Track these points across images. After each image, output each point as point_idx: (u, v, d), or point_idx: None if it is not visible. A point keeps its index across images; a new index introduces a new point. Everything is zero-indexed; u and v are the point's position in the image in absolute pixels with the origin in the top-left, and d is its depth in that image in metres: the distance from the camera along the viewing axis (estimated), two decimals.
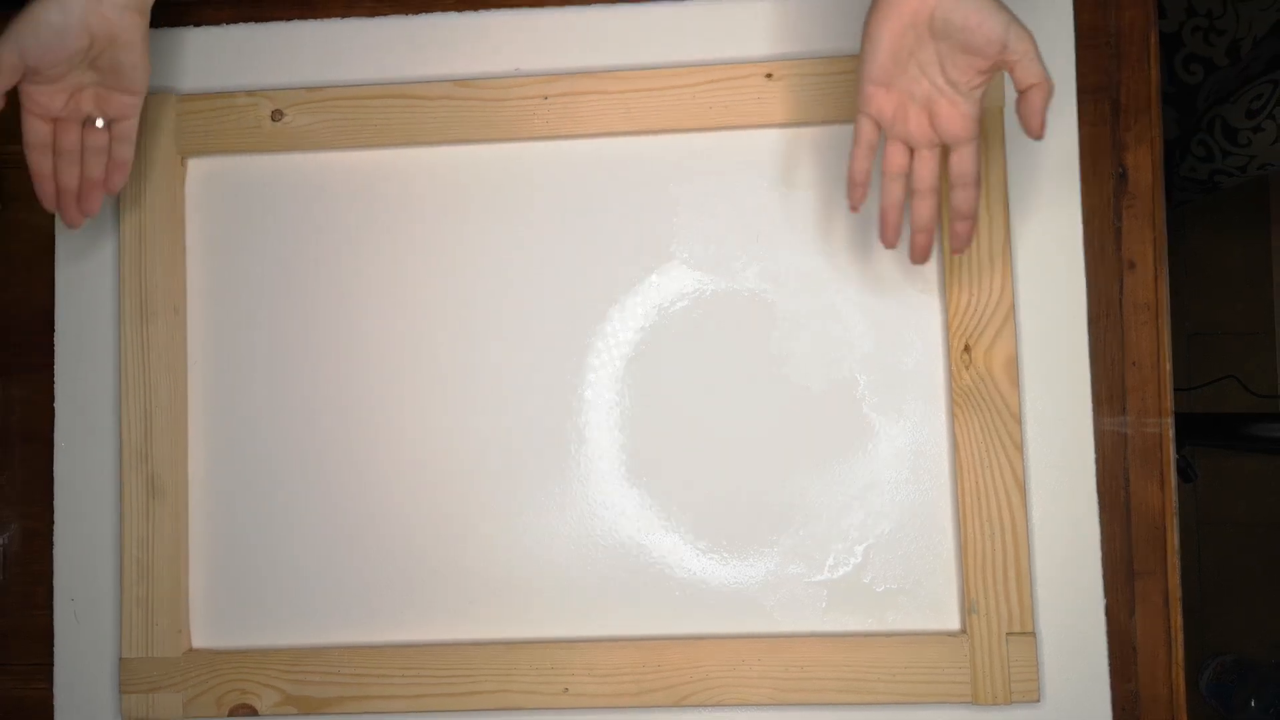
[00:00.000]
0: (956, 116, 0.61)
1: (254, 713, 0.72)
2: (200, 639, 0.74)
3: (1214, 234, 1.54)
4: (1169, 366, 0.71)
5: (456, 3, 0.75)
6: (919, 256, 0.65)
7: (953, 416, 0.70)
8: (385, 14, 0.76)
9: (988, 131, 0.70)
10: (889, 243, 0.64)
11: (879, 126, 0.62)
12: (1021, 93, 0.59)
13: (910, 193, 0.64)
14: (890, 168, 0.63)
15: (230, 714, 0.71)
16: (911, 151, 0.63)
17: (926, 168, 0.62)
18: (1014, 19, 0.57)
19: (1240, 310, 1.54)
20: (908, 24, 0.58)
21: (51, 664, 0.74)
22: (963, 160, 0.62)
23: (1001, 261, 0.70)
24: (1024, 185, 0.71)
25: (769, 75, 0.72)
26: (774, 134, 0.73)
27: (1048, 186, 0.71)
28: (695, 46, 0.73)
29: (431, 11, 0.75)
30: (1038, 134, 0.59)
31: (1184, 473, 1.22)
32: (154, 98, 0.74)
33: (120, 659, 0.72)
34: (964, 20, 0.57)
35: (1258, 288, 1.53)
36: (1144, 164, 0.72)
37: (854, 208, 0.63)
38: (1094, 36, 0.72)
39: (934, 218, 0.64)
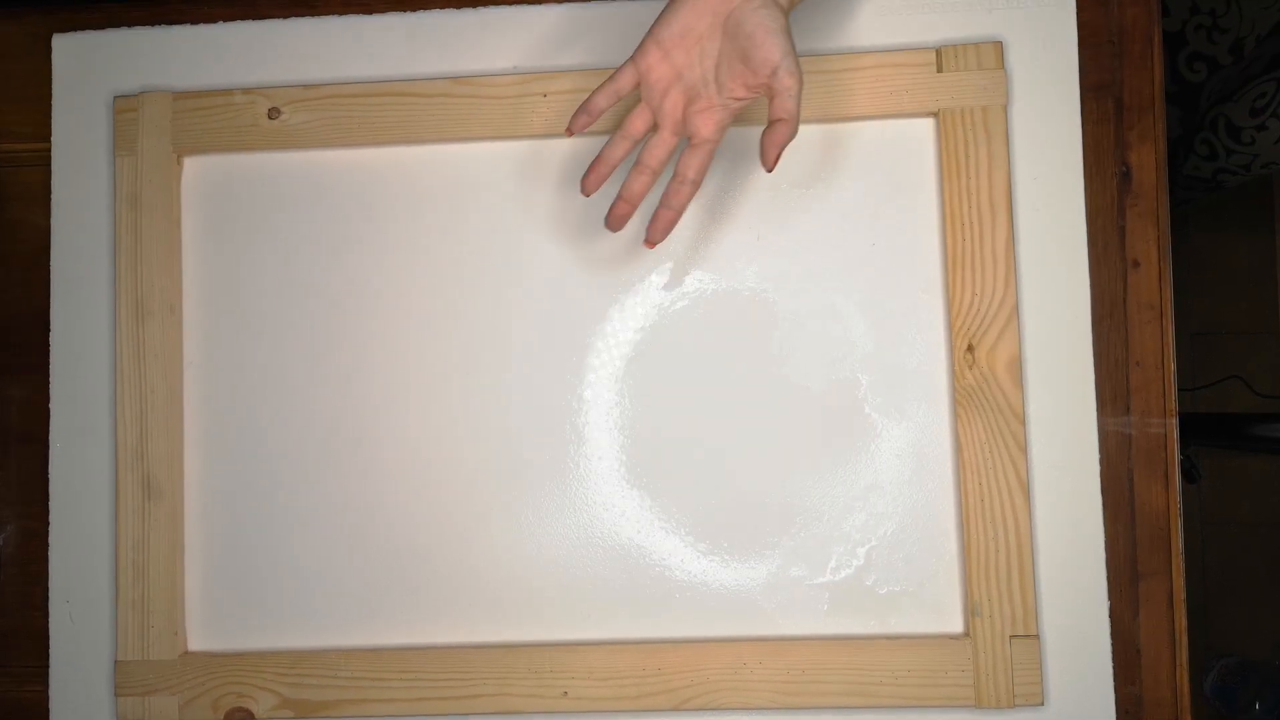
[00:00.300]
0: (709, 116, 0.62)
1: (250, 716, 0.71)
2: (196, 641, 0.73)
3: (1218, 233, 1.54)
4: (1173, 366, 0.70)
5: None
6: (613, 224, 0.66)
7: (955, 417, 0.69)
8: (382, 11, 0.75)
9: (991, 129, 0.70)
10: (585, 189, 0.65)
11: (638, 84, 0.63)
12: (770, 123, 0.61)
13: (635, 163, 0.65)
14: (628, 128, 0.64)
15: (227, 717, 0.71)
16: (655, 129, 0.64)
17: (661, 148, 0.64)
18: (793, 54, 0.59)
19: (1244, 310, 1.53)
20: (712, 9, 0.60)
21: (47, 666, 0.74)
22: (695, 158, 0.63)
23: (1005, 261, 0.69)
24: (1027, 184, 0.71)
25: None
26: None
27: (1051, 185, 0.71)
28: None
29: (429, 8, 0.75)
30: (769, 166, 0.61)
31: (1188, 473, 1.21)
32: (150, 96, 0.74)
33: (116, 661, 0.72)
34: (753, 30, 0.59)
35: (1262, 287, 1.53)
36: (1147, 163, 0.71)
37: (568, 131, 0.64)
38: (1097, 35, 0.72)
39: (642, 194, 0.65)
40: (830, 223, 0.72)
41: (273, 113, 0.74)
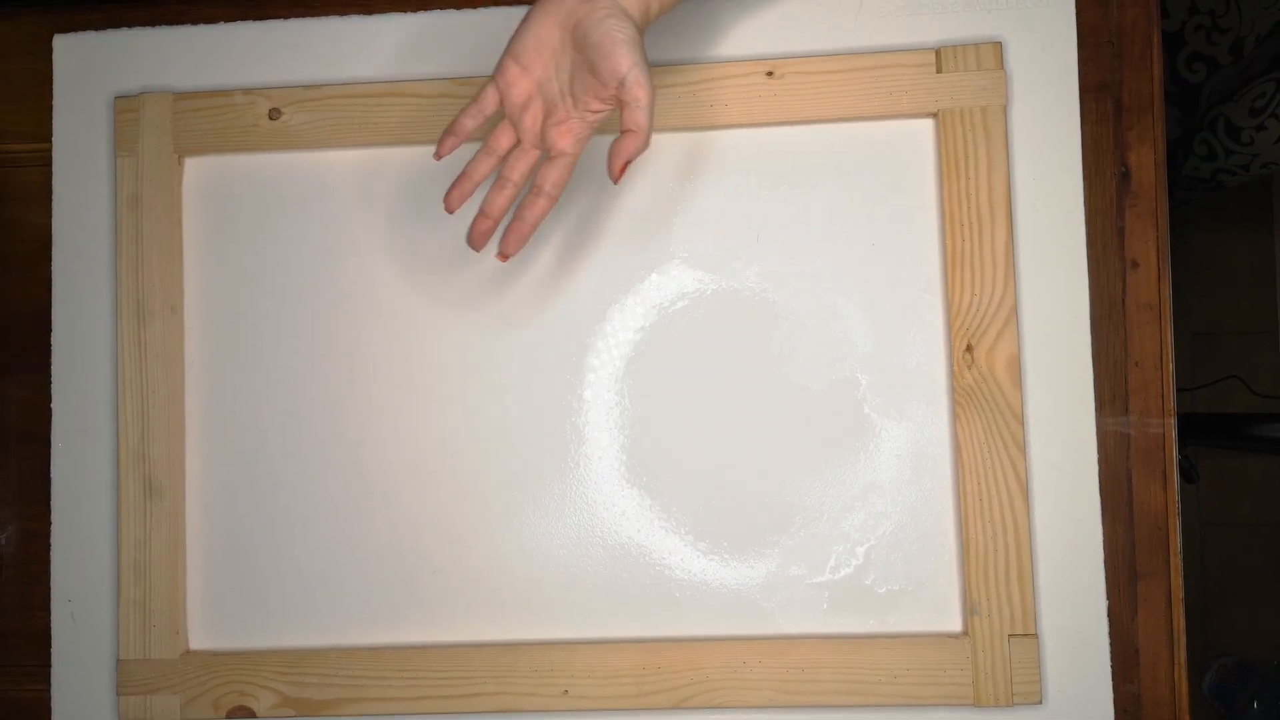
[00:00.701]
0: (566, 129, 0.62)
1: (252, 714, 0.71)
2: (198, 641, 0.73)
3: (1217, 233, 1.54)
4: (1172, 366, 0.70)
5: (454, 0, 0.75)
6: (475, 241, 0.65)
7: (955, 417, 0.70)
8: (383, 12, 0.75)
9: (990, 130, 0.70)
10: (448, 205, 0.64)
11: (501, 102, 0.63)
12: (620, 134, 0.59)
13: (496, 178, 0.64)
14: (492, 143, 0.64)
15: (228, 716, 0.71)
16: (518, 143, 0.64)
17: (523, 162, 0.64)
18: (642, 65, 0.58)
19: (1244, 310, 1.53)
20: (561, 21, 0.60)
21: (49, 666, 0.74)
22: (553, 170, 0.63)
23: (1004, 261, 0.69)
24: (1026, 185, 0.71)
25: (769, 73, 0.71)
26: (775, 132, 0.72)
27: (1050, 186, 0.71)
28: (695, 44, 0.73)
29: (429, 8, 0.75)
30: (615, 178, 0.60)
31: (1187, 473, 1.21)
32: (151, 96, 0.74)
33: (118, 661, 0.72)
34: (598, 41, 0.58)
35: (1261, 287, 1.53)
36: (1147, 163, 0.71)
37: (436, 155, 0.63)
38: (1096, 35, 0.72)
39: (504, 209, 0.64)
40: (830, 223, 0.72)
41: (273, 113, 0.74)
